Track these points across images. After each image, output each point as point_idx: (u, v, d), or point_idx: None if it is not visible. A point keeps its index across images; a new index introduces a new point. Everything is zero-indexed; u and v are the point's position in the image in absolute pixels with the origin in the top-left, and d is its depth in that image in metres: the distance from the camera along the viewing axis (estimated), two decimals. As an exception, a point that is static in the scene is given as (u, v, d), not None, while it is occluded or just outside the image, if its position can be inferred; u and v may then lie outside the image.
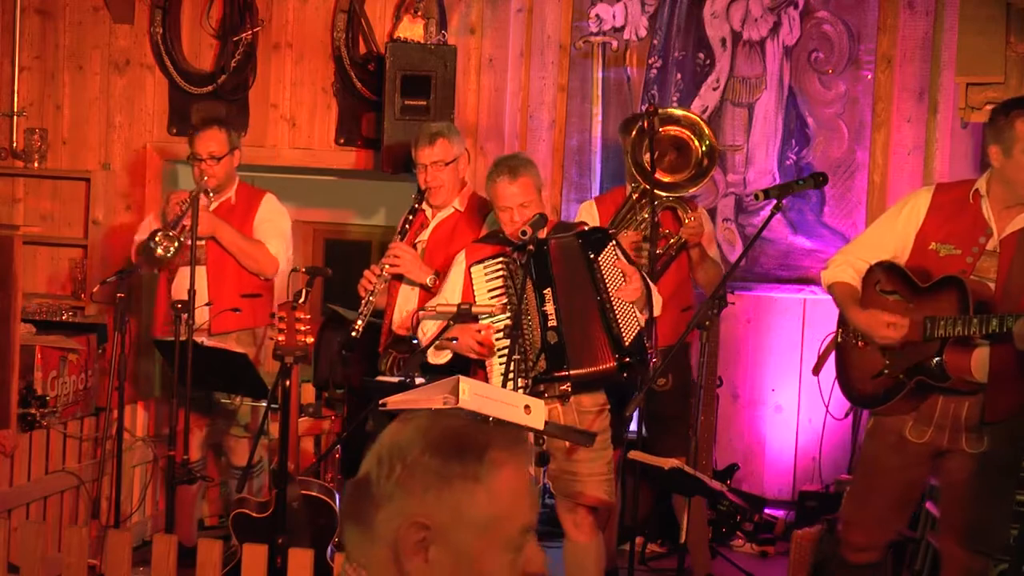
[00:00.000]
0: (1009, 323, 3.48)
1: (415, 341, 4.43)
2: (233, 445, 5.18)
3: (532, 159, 4.37)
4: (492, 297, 4.09)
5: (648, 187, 4.64)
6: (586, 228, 4.24)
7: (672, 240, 4.74)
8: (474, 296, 4.11)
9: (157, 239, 4.79)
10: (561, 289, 4.02)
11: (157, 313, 5.16)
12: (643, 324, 4.05)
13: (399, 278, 4.64)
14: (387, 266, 4.56)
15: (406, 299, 4.64)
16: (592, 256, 4.04)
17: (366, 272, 4.60)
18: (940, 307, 3.63)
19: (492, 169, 4.18)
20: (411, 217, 4.67)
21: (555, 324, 3.99)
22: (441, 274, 4.48)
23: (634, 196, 4.75)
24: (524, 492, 1.56)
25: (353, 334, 4.54)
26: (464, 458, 1.54)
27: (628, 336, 3.97)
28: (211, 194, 5.01)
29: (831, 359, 4.12)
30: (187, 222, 4.76)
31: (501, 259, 4.11)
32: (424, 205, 4.67)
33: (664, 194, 4.74)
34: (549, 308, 4.01)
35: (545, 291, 4.03)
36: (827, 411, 3.97)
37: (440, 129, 4.71)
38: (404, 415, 1.65)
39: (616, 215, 4.82)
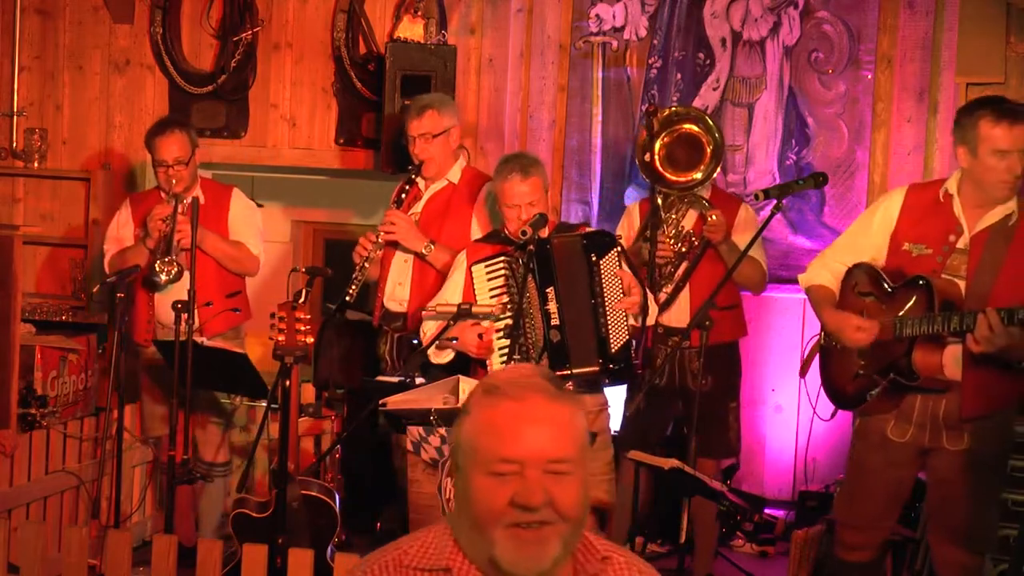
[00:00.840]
0: (969, 321, 3.50)
1: (415, 341, 4.44)
2: (210, 439, 5.11)
3: (539, 158, 4.38)
4: (493, 296, 4.08)
5: (655, 186, 4.68)
6: (591, 231, 4.25)
7: (695, 241, 4.75)
8: (475, 295, 4.11)
9: (157, 268, 4.78)
10: (564, 288, 4.03)
11: (137, 318, 5.02)
12: (635, 331, 4.06)
13: (395, 245, 4.63)
14: (383, 233, 4.55)
15: (399, 271, 4.64)
16: (594, 258, 4.04)
17: (361, 239, 4.59)
18: (910, 307, 3.65)
19: (502, 167, 4.16)
20: (407, 187, 4.66)
21: (558, 323, 3.99)
22: (437, 243, 4.48)
23: (658, 199, 4.77)
24: (504, 428, 1.82)
25: (347, 299, 4.56)
26: (472, 397, 1.89)
27: (615, 343, 3.98)
28: (185, 201, 4.87)
29: (816, 361, 4.13)
30: (179, 237, 4.76)
31: (503, 258, 4.11)
32: (419, 178, 4.66)
33: (677, 192, 4.78)
34: (552, 307, 4.01)
35: (548, 290, 4.03)
36: (814, 412, 4.01)
37: (430, 101, 4.69)
38: None
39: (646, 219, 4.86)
